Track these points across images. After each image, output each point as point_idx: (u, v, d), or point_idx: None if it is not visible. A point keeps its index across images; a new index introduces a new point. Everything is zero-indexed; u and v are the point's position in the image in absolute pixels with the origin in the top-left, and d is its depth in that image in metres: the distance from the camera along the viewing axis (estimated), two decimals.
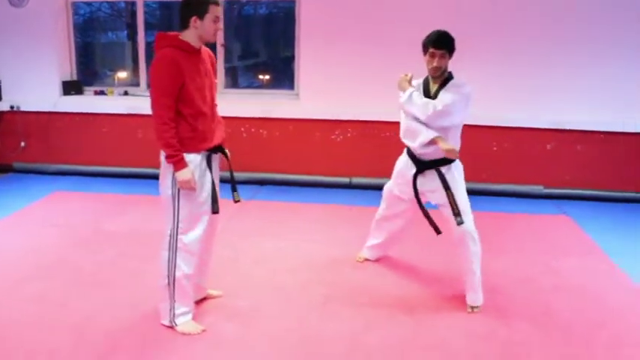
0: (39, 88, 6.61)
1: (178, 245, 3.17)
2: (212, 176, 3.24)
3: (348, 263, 4.27)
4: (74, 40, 6.79)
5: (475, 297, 3.59)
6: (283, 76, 6.90)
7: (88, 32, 7.40)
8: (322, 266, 4.21)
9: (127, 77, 7.18)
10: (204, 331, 3.27)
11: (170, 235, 3.17)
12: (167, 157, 3.05)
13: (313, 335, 3.27)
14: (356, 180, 6.28)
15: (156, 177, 6.46)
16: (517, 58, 5.86)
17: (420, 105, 3.49)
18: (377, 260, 4.29)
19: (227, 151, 3.39)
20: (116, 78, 7.20)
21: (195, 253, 3.23)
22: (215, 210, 3.25)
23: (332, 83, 6.16)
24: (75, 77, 6.84)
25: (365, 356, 3.08)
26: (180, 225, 3.16)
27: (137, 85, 6.85)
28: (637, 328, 3.43)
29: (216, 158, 3.34)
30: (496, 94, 5.86)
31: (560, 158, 6.06)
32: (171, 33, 3.10)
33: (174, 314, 3.25)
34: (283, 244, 4.60)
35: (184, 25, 3.06)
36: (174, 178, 3.09)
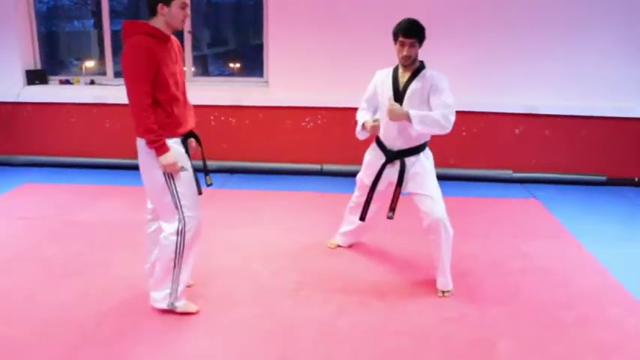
0: (1, 78, 6.45)
1: (187, 228, 3.18)
2: (190, 159, 3.24)
3: (320, 250, 4.27)
4: (38, 28, 6.64)
5: (445, 281, 3.63)
6: (254, 64, 6.84)
7: (52, 21, 7.25)
8: (294, 253, 4.21)
9: (94, 66, 7.06)
10: (198, 311, 3.33)
11: (178, 220, 3.16)
12: (149, 143, 3.03)
13: (286, 322, 3.27)
14: (327, 167, 6.29)
15: (125, 167, 6.45)
16: (485, 43, 5.90)
17: (437, 122, 3.41)
18: (349, 247, 4.31)
19: (198, 136, 3.39)
20: (84, 67, 7.08)
21: (197, 234, 3.26)
22: (199, 191, 3.28)
23: (302, 70, 6.13)
24: (39, 66, 6.70)
25: (337, 342, 3.09)
26: (183, 207, 3.16)
27: (104, 74, 6.74)
28: (603, 307, 3.50)
29: (192, 142, 3.35)
30: (464, 79, 5.89)
31: (528, 143, 6.14)
32: (140, 21, 3.07)
33: (175, 297, 3.28)
34: (255, 232, 4.59)
35: (152, 13, 3.04)
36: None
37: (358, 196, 4.08)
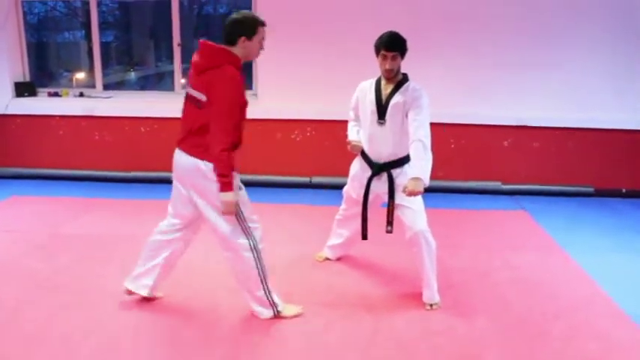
0: None
1: (257, 241, 3.31)
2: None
3: (309, 262, 4.27)
4: (27, 40, 6.63)
5: (431, 295, 3.62)
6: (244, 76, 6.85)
7: (42, 32, 7.25)
8: (283, 266, 4.19)
9: (84, 78, 7.05)
10: (303, 310, 3.47)
11: (247, 238, 3.26)
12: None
13: (274, 335, 3.26)
14: (316, 179, 6.29)
15: (113, 180, 6.43)
16: (474, 55, 5.94)
17: (429, 160, 3.38)
18: (337, 259, 4.30)
19: None
20: (74, 79, 7.07)
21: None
22: None
23: (291, 83, 6.15)
24: (28, 78, 6.68)
25: (325, 355, 3.08)
26: (249, 225, 3.27)
27: (93, 86, 6.73)
28: (591, 319, 3.50)
29: None
30: (453, 91, 5.94)
31: (517, 155, 6.18)
32: (227, 49, 3.09)
33: (276, 304, 3.38)
34: None
35: (231, 42, 3.09)
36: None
37: (345, 209, 4.08)
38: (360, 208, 3.87)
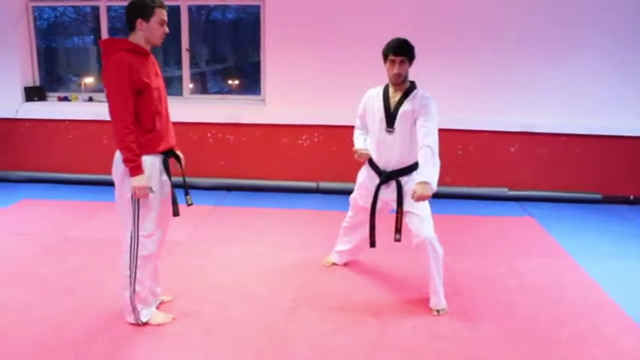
0: (0, 94, 6.50)
1: (139, 248, 3.21)
2: (170, 178, 3.28)
3: (316, 267, 4.28)
4: (37, 45, 6.69)
5: (437, 301, 3.62)
6: (252, 81, 6.90)
7: (52, 37, 7.31)
8: (290, 271, 4.21)
9: (93, 83, 7.10)
10: (174, 319, 3.38)
11: (131, 238, 3.21)
12: (125, 161, 3.08)
13: (281, 340, 3.27)
14: (323, 184, 6.31)
15: None
16: (482, 61, 5.95)
17: (434, 158, 3.40)
18: (344, 264, 4.31)
19: (180, 154, 3.43)
20: (83, 84, 7.12)
21: (152, 256, 3.29)
22: (176, 213, 3.32)
23: (298, 88, 6.18)
24: (38, 83, 6.74)
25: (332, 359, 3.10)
26: (140, 228, 3.20)
27: (102, 91, 6.76)
28: (597, 326, 3.50)
29: (171, 161, 3.35)
30: (460, 97, 5.95)
31: (524, 161, 6.17)
32: (118, 38, 3.16)
33: (138, 315, 3.32)
34: (250, 249, 4.59)
35: (131, 28, 3.10)
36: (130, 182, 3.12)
37: (352, 216, 4.10)
38: (366, 216, 3.88)
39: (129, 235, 3.21)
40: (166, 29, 3.15)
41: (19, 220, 5.28)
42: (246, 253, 4.50)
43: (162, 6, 3.09)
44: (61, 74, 7.43)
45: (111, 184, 6.10)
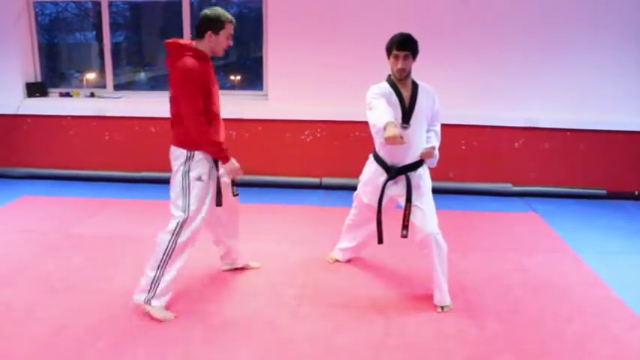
0: (1, 90, 6.47)
1: (181, 234, 3.38)
2: (218, 173, 3.52)
3: (319, 264, 4.26)
4: (39, 40, 6.66)
5: (441, 297, 3.60)
6: (254, 76, 6.86)
7: (54, 33, 7.28)
8: (293, 267, 4.19)
9: (95, 79, 7.08)
10: (176, 317, 3.42)
11: (177, 224, 3.38)
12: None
13: (284, 337, 3.25)
14: (326, 180, 6.28)
15: (124, 180, 6.48)
16: (485, 57, 5.91)
17: (438, 141, 3.71)
18: (347, 261, 4.29)
19: None
20: (85, 79, 7.10)
21: (190, 242, 3.46)
22: (218, 203, 3.56)
23: (301, 83, 6.15)
24: (39, 79, 6.71)
25: (337, 357, 3.07)
26: (189, 215, 3.38)
27: (104, 86, 6.75)
28: (604, 322, 3.48)
29: None
30: (464, 93, 5.92)
31: (528, 156, 6.14)
32: (185, 42, 3.35)
33: (154, 294, 3.41)
34: (253, 245, 4.55)
35: (199, 36, 3.34)
36: (186, 173, 3.38)
37: (355, 214, 4.07)
38: (369, 214, 3.85)
39: (175, 221, 3.38)
40: (231, 42, 3.42)
41: (21, 216, 5.26)
42: (249, 250, 4.46)
43: (232, 22, 3.36)
44: (63, 70, 7.41)
45: (112, 180, 6.11)
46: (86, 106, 6.46)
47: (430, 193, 3.66)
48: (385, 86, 3.59)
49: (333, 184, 6.25)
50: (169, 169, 3.48)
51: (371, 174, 3.80)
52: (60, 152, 6.52)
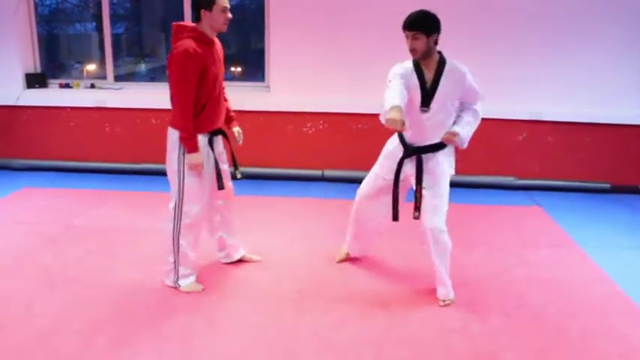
0: (1, 81, 6.43)
1: (182, 217, 3.50)
2: (214, 155, 3.57)
3: (322, 258, 4.22)
4: (39, 31, 6.61)
5: (445, 291, 3.57)
6: (255, 68, 6.82)
7: (53, 23, 7.23)
8: (295, 261, 4.16)
9: (95, 70, 7.03)
10: (204, 289, 3.64)
11: (174, 208, 3.50)
12: (182, 139, 3.37)
13: (287, 332, 3.22)
14: (328, 172, 6.24)
15: (125, 172, 6.45)
16: (489, 48, 5.86)
17: (475, 122, 3.56)
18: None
19: (236, 130, 3.91)
20: (85, 70, 7.05)
21: (196, 224, 3.58)
22: (220, 187, 3.62)
23: (303, 75, 6.10)
24: (39, 70, 6.67)
25: (339, 352, 3.04)
26: (184, 198, 3.47)
27: (104, 77, 6.71)
28: (608, 318, 3.45)
29: (219, 139, 3.69)
30: None
31: (531, 149, 6.10)
32: (188, 24, 3.39)
33: (177, 276, 3.61)
34: (255, 239, 4.53)
35: (197, 18, 3.36)
36: (180, 155, 3.42)
37: (368, 189, 3.83)
38: (385, 189, 3.69)
39: (172, 205, 3.50)
40: (229, 15, 3.38)
41: (21, 208, 5.23)
42: (250, 243, 4.43)
43: None
44: (63, 61, 7.36)
45: (113, 171, 6.10)
46: (86, 98, 6.41)
47: (445, 184, 3.51)
48: (408, 66, 3.42)
49: (335, 176, 6.22)
50: None
51: (393, 148, 3.65)
52: (60, 144, 6.48)
